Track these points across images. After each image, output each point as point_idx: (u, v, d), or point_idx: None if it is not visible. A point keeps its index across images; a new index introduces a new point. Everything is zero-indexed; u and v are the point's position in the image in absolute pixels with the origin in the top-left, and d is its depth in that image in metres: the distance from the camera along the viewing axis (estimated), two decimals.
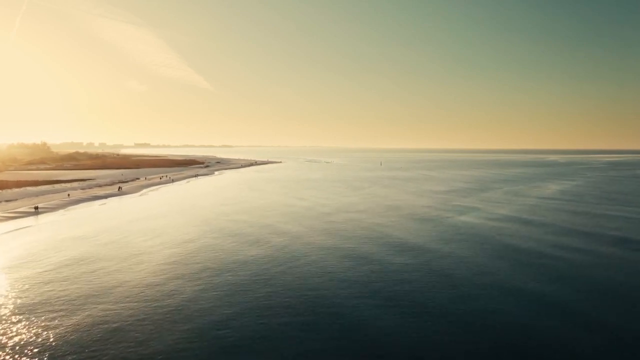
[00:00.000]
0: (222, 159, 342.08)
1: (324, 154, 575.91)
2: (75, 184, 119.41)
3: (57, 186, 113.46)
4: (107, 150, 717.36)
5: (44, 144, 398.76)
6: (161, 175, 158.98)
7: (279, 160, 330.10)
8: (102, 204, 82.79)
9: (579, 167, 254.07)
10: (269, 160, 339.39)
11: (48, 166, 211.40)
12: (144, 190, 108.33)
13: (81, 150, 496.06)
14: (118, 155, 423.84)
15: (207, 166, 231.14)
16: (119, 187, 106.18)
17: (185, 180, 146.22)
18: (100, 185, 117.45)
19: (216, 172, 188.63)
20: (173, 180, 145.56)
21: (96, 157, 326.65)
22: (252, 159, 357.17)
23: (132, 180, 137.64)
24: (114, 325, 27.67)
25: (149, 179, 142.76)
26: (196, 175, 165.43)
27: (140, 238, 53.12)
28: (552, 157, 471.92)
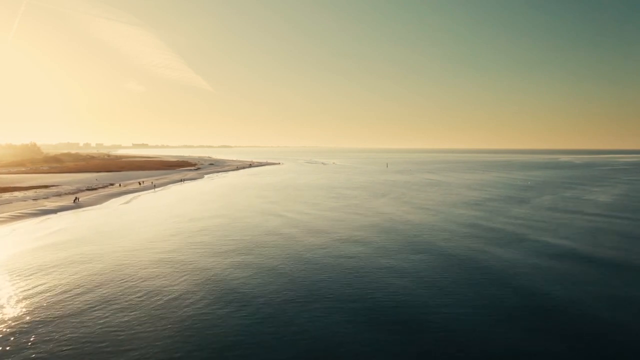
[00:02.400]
0: (217, 160, 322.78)
1: (325, 155, 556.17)
2: (31, 193, 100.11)
3: (6, 195, 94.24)
4: (103, 151, 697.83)
5: (34, 145, 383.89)
6: (142, 180, 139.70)
7: (277, 162, 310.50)
8: (15, 229, 62.91)
9: (602, 169, 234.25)
10: (268, 161, 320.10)
11: (24, 169, 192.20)
12: (109, 202, 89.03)
13: (73, 151, 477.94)
14: (109, 156, 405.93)
15: (198, 169, 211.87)
16: (76, 199, 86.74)
17: (166, 186, 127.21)
18: (60, 195, 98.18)
19: (206, 176, 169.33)
20: (155, 186, 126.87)
21: (83, 158, 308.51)
22: (250, 160, 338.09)
23: (104, 187, 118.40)
24: None
25: (125, 185, 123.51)
26: (181, 180, 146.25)
27: None
28: (564, 158, 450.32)
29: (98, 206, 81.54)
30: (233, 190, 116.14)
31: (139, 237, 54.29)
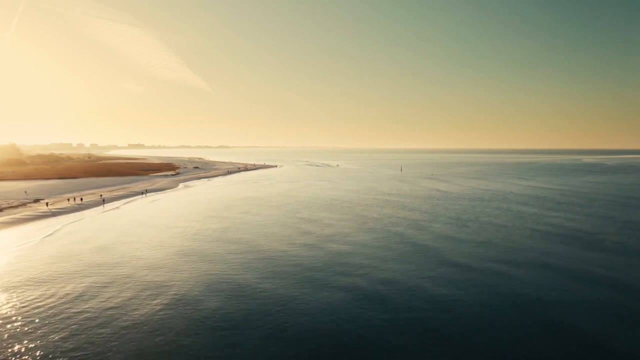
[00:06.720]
0: (207, 163, 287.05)
1: (326, 156, 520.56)
2: None
3: None
4: (95, 152, 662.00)
5: (12, 146, 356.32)
6: (82, 194, 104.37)
7: (275, 164, 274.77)
8: None
9: None
10: (265, 163, 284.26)
11: None
12: None
13: (57, 152, 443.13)
14: (90, 157, 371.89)
15: (177, 174, 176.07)
16: None
17: (118, 201, 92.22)
18: None
19: (180, 184, 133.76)
20: (105, 201, 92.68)
21: (50, 161, 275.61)
22: (245, 162, 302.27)
23: (19, 206, 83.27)
24: None
25: (55, 202, 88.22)
26: (144, 192, 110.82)
27: None
28: (588, 159, 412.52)
29: None
30: (186, 211, 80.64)
31: None
